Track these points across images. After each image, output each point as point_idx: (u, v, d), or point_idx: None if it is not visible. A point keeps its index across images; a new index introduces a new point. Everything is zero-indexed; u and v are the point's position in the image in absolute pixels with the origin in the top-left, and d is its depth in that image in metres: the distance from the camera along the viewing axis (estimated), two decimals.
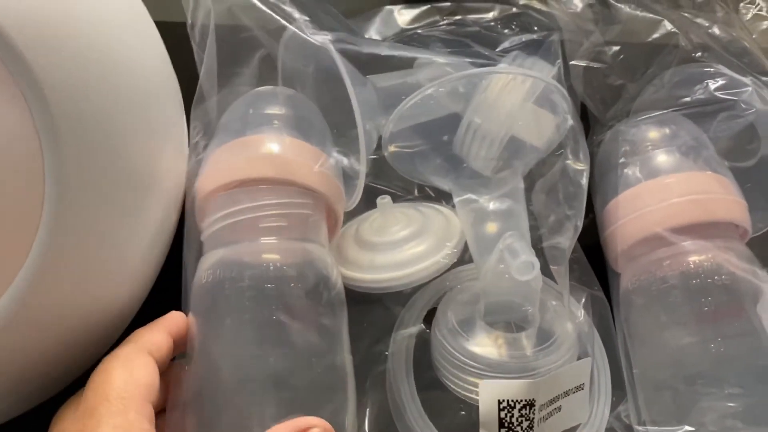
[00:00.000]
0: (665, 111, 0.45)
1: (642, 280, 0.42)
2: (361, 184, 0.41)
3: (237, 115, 0.41)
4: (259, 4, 0.42)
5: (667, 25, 0.48)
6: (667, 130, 0.45)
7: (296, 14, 0.42)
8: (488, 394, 0.37)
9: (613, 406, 0.42)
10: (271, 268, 0.36)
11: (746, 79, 0.43)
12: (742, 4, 0.51)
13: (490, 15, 0.49)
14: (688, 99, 0.45)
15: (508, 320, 0.41)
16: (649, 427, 0.40)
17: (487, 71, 0.44)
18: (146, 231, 0.37)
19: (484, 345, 0.40)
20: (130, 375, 0.32)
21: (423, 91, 0.41)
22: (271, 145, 0.39)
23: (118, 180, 0.34)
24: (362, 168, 0.40)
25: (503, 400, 0.37)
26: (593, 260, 0.46)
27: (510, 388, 0.37)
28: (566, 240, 0.41)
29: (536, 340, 0.40)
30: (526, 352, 0.39)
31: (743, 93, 0.43)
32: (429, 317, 0.43)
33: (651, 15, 0.48)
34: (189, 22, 0.43)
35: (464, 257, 0.44)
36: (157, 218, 0.38)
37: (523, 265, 0.38)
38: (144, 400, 0.32)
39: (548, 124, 0.44)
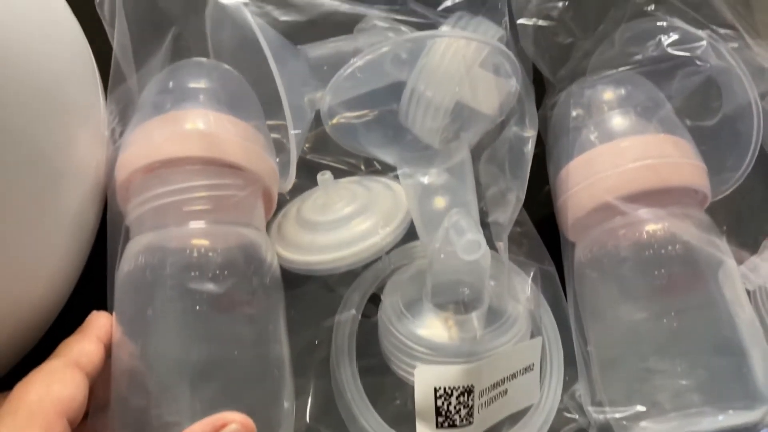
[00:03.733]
0: (619, 70, 0.43)
1: (595, 252, 0.40)
2: (293, 161, 0.38)
3: (158, 90, 0.38)
4: None
5: None
6: (622, 91, 0.42)
7: None
8: (424, 382, 0.35)
9: (567, 386, 0.40)
10: (195, 254, 0.33)
11: (702, 33, 0.40)
12: None
13: None
14: (640, 57, 0.42)
15: (456, 301, 0.39)
16: (600, 408, 0.38)
17: (428, 35, 0.41)
18: (62, 223, 0.34)
19: (433, 327, 0.38)
20: (47, 389, 0.31)
21: (360, 58, 0.39)
22: (195, 121, 0.36)
23: (23, 165, 0.31)
24: (292, 144, 0.37)
25: (440, 388, 0.35)
26: (548, 232, 0.43)
27: (447, 375, 0.35)
28: (505, 215, 0.39)
29: (487, 320, 0.38)
30: (476, 334, 0.37)
31: (698, 48, 0.40)
32: (376, 299, 0.41)
33: None
34: None
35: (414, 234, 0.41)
36: (74, 208, 0.35)
37: (469, 244, 0.36)
38: (57, 415, 0.30)
39: (496, 90, 0.42)
